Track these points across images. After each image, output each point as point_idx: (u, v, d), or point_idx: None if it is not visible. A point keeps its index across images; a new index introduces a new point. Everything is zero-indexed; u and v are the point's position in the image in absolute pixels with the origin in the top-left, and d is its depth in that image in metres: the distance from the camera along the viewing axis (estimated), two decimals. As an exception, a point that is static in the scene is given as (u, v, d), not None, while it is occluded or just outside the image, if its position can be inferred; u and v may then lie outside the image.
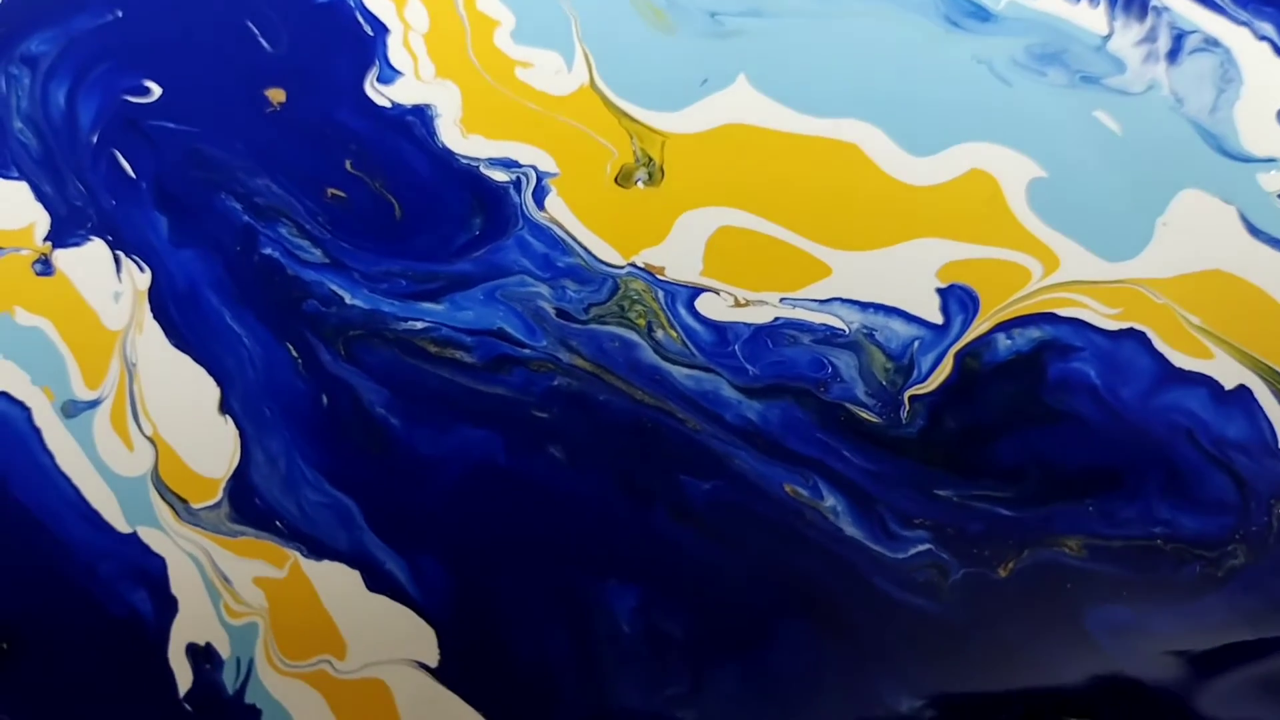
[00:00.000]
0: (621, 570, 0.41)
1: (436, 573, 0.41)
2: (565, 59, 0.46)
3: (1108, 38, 0.45)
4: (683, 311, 0.43)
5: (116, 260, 0.45)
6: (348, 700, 0.40)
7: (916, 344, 0.43)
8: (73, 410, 0.44)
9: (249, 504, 0.42)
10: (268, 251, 0.45)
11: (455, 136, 0.46)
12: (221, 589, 0.42)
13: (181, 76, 0.47)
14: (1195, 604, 0.40)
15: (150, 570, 0.42)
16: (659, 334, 0.43)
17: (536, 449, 0.42)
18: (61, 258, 0.45)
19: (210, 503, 0.42)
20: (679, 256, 0.44)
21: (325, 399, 0.43)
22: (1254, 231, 0.43)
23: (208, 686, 0.41)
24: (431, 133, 0.46)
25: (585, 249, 0.44)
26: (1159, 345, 0.42)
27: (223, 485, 0.43)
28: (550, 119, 0.46)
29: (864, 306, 0.43)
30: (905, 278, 0.43)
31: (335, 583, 0.41)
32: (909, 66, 0.45)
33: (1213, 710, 0.39)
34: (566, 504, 0.42)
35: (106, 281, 0.45)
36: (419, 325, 0.44)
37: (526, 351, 0.43)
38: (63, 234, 0.46)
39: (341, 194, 0.45)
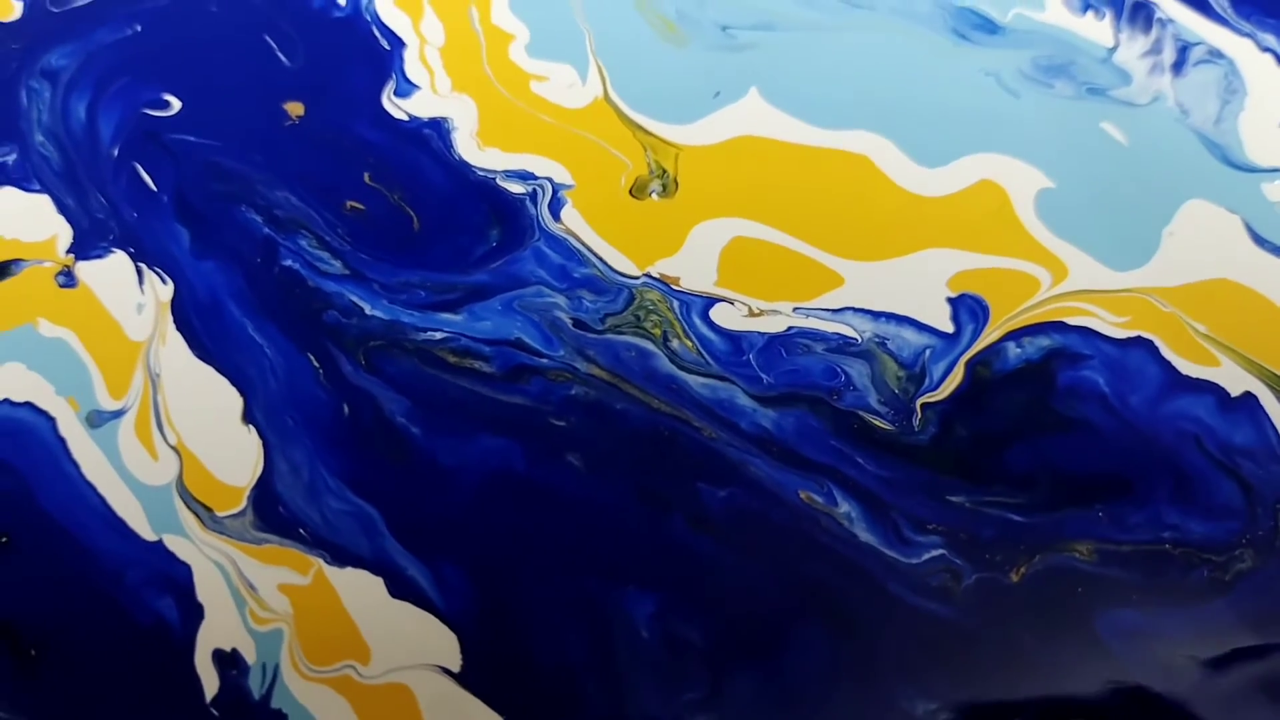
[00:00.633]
0: (639, 576, 0.41)
1: (458, 579, 0.41)
2: (579, 72, 0.47)
3: (1113, 50, 0.45)
4: (698, 321, 0.43)
5: (139, 272, 0.45)
6: (372, 705, 0.40)
7: (928, 353, 0.43)
8: (97, 420, 0.44)
9: (273, 512, 0.42)
10: (288, 263, 0.45)
11: (472, 149, 0.46)
12: (247, 596, 0.42)
13: (201, 90, 0.47)
14: (1203, 607, 0.40)
15: (176, 578, 0.42)
16: (674, 343, 0.43)
17: (555, 457, 0.42)
18: (84, 269, 0.45)
19: (235, 511, 0.42)
20: (693, 267, 0.44)
21: (347, 408, 0.43)
22: (1259, 241, 0.43)
23: (234, 692, 0.41)
24: (448, 145, 0.46)
25: (601, 260, 0.44)
26: (1166, 353, 0.42)
27: (247, 494, 0.43)
28: (565, 132, 0.46)
29: (876, 316, 0.43)
30: (916, 287, 0.43)
31: (358, 589, 0.41)
32: (918, 79, 0.46)
33: (1220, 717, 0.39)
34: (585, 511, 0.42)
35: (129, 293, 0.45)
36: (438, 335, 0.44)
37: (544, 361, 0.43)
38: (85, 246, 0.46)
39: (360, 206, 0.45)
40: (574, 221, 0.45)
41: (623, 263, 0.44)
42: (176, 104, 0.47)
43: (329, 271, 0.45)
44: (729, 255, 0.44)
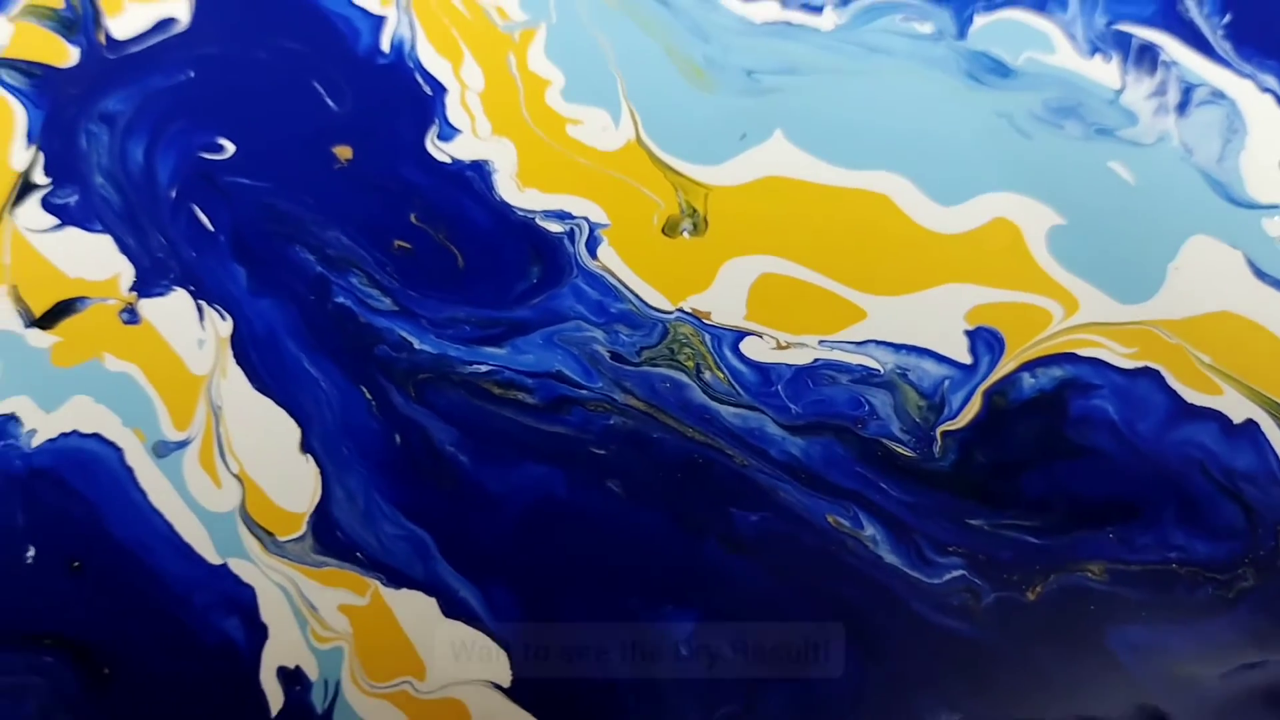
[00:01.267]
0: (677, 596, 0.42)
1: (506, 599, 0.42)
2: (613, 116, 0.47)
3: (1120, 92, 0.45)
4: (728, 354, 0.44)
5: (199, 309, 0.45)
6: (428, 719, 0.41)
7: (947, 383, 0.43)
8: (163, 450, 0.44)
9: (331, 537, 0.43)
10: (340, 300, 0.45)
11: (512, 190, 0.46)
12: (309, 616, 0.42)
13: (253, 134, 0.47)
14: (1208, 623, 0.40)
15: (241, 600, 0.42)
16: (707, 375, 0.44)
17: (595, 484, 0.43)
18: (146, 307, 0.45)
19: (295, 536, 0.43)
20: (724, 302, 0.44)
21: (398, 438, 0.44)
22: (1260, 275, 0.43)
23: (298, 707, 0.41)
24: (490, 187, 0.46)
25: (636, 295, 0.45)
26: (1172, 383, 0.42)
27: (306, 519, 0.43)
28: (600, 173, 0.46)
29: (897, 348, 0.44)
30: (935, 320, 0.44)
31: (413, 609, 0.42)
32: (935, 121, 0.46)
33: None
34: (624, 534, 0.42)
35: (190, 329, 0.45)
36: (483, 368, 0.44)
37: (584, 392, 0.44)
38: (147, 284, 0.46)
39: (407, 245, 0.46)
40: (610, 259, 0.45)
41: (656, 298, 0.45)
42: (230, 147, 0.47)
43: (379, 308, 0.45)
44: (757, 291, 0.44)
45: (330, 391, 0.44)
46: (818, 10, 0.47)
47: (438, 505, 0.43)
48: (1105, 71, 0.46)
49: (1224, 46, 0.46)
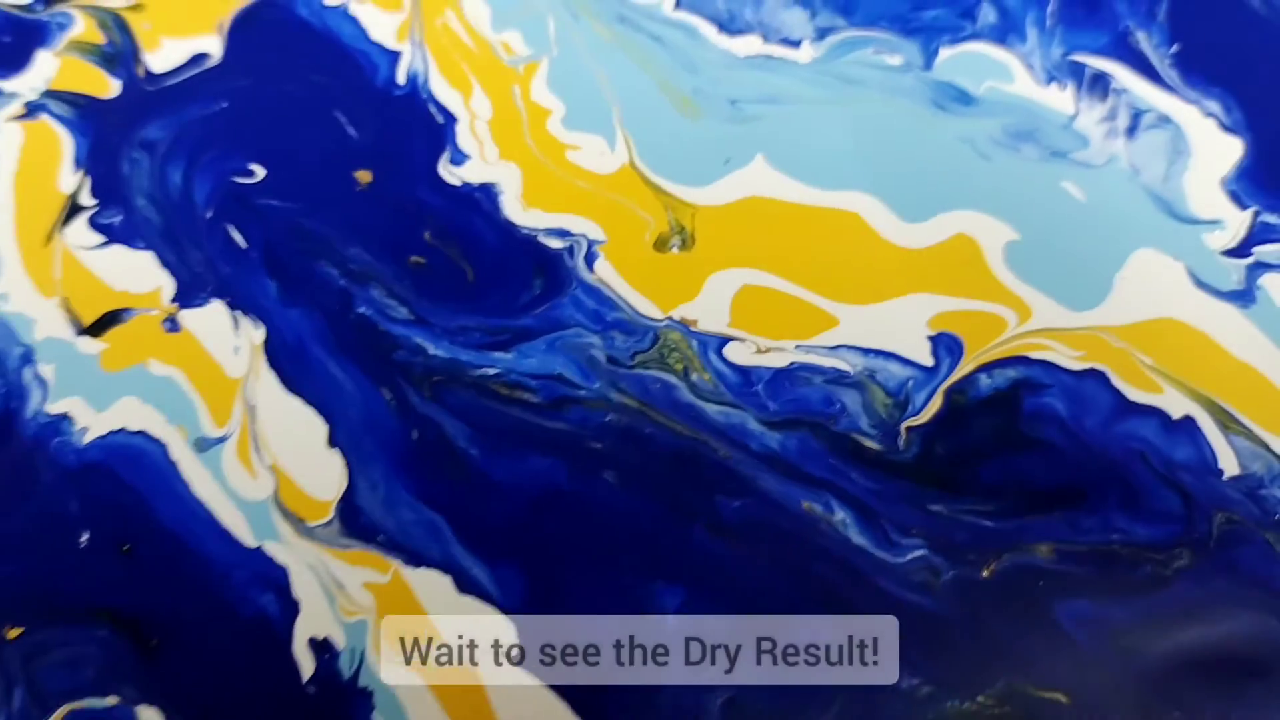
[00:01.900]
0: (667, 574, 0.43)
1: (514, 577, 0.43)
2: (609, 142, 0.48)
3: (1074, 117, 0.47)
4: (713, 357, 0.45)
5: (234, 318, 0.47)
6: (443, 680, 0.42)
7: (911, 383, 0.44)
8: (204, 445, 0.45)
9: (356, 522, 0.44)
10: (362, 310, 0.46)
11: (517, 210, 0.47)
12: (336, 593, 0.43)
13: (282, 160, 0.48)
14: (1147, 598, 0.41)
15: (275, 578, 0.44)
16: (694, 377, 0.45)
17: (593, 474, 0.44)
18: (187, 317, 0.47)
19: (323, 521, 0.44)
20: (709, 311, 0.45)
21: (416, 434, 0.45)
22: (1200, 284, 0.44)
23: (327, 673, 0.43)
24: (497, 207, 0.47)
25: (630, 305, 0.46)
26: (1117, 382, 0.43)
27: (334, 506, 0.44)
28: (597, 194, 0.47)
29: (866, 352, 0.45)
30: (901, 327, 0.45)
31: (431, 586, 0.43)
32: (903, 145, 0.47)
33: (1160, 691, 0.40)
34: (620, 520, 0.43)
35: (226, 337, 0.46)
36: (492, 371, 0.45)
37: (582, 392, 0.45)
38: (187, 296, 0.47)
39: (422, 260, 0.47)
40: (606, 272, 0.46)
41: (648, 307, 0.46)
42: (261, 172, 0.48)
43: (397, 317, 0.46)
44: (740, 300, 0.46)
45: (354, 392, 0.45)
46: (796, 45, 0.48)
47: (452, 493, 0.44)
48: (1060, 99, 0.47)
49: (1171, 75, 0.47)
